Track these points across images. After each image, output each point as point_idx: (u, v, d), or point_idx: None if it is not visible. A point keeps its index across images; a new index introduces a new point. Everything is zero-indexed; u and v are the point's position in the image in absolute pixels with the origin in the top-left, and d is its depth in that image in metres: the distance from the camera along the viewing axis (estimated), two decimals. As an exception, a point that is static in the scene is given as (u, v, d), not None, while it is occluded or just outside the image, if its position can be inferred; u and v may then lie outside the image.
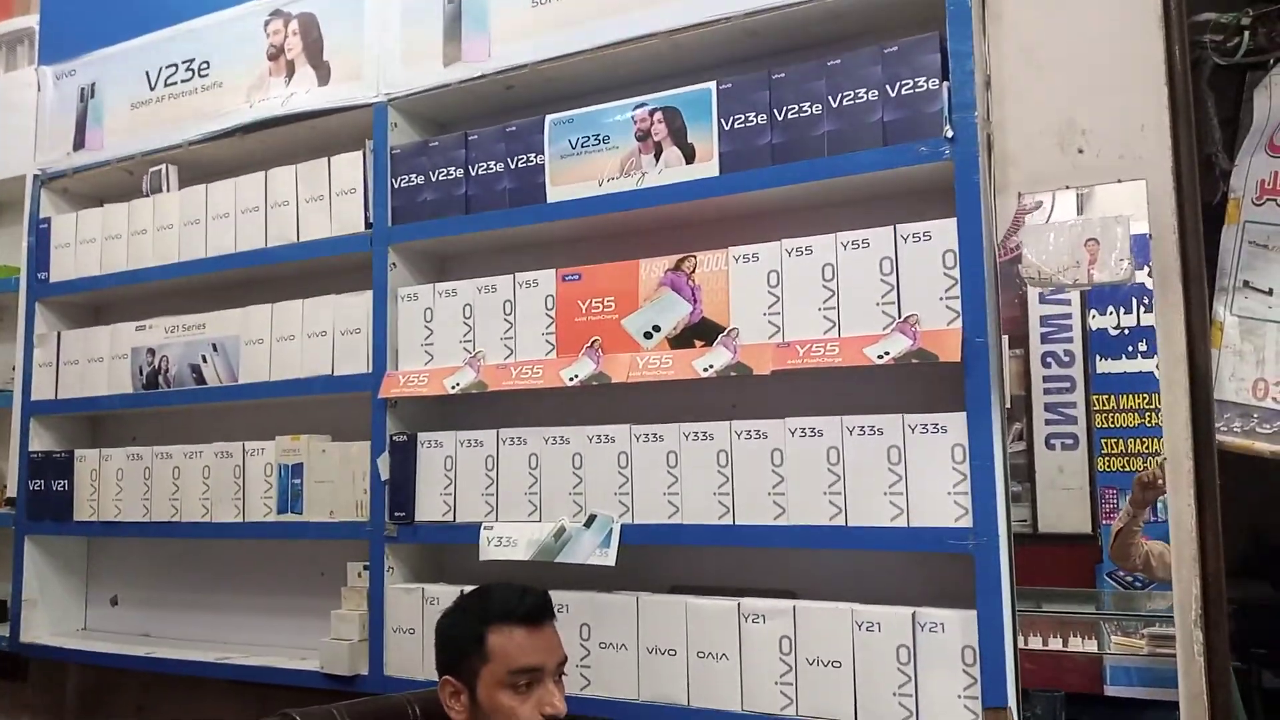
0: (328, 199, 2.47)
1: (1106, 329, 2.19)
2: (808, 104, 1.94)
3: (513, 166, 2.24)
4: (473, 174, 2.29)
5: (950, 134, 1.79)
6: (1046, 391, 1.88)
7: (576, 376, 2.09)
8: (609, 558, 2.00)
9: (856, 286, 1.86)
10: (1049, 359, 1.89)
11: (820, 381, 1.99)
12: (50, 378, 2.91)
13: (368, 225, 2.40)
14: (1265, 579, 2.84)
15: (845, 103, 1.91)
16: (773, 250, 1.94)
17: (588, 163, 2.15)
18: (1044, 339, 1.90)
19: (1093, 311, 2.18)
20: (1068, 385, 2.18)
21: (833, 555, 1.96)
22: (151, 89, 2.82)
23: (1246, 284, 1.90)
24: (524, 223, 2.21)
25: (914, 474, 1.78)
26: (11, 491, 2.98)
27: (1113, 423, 2.18)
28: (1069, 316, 2.19)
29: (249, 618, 2.76)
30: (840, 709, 1.78)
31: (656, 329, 2.04)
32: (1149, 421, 2.19)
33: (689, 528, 1.95)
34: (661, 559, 2.11)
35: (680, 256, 2.03)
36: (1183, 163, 1.75)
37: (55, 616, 2.97)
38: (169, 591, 2.91)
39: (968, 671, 1.70)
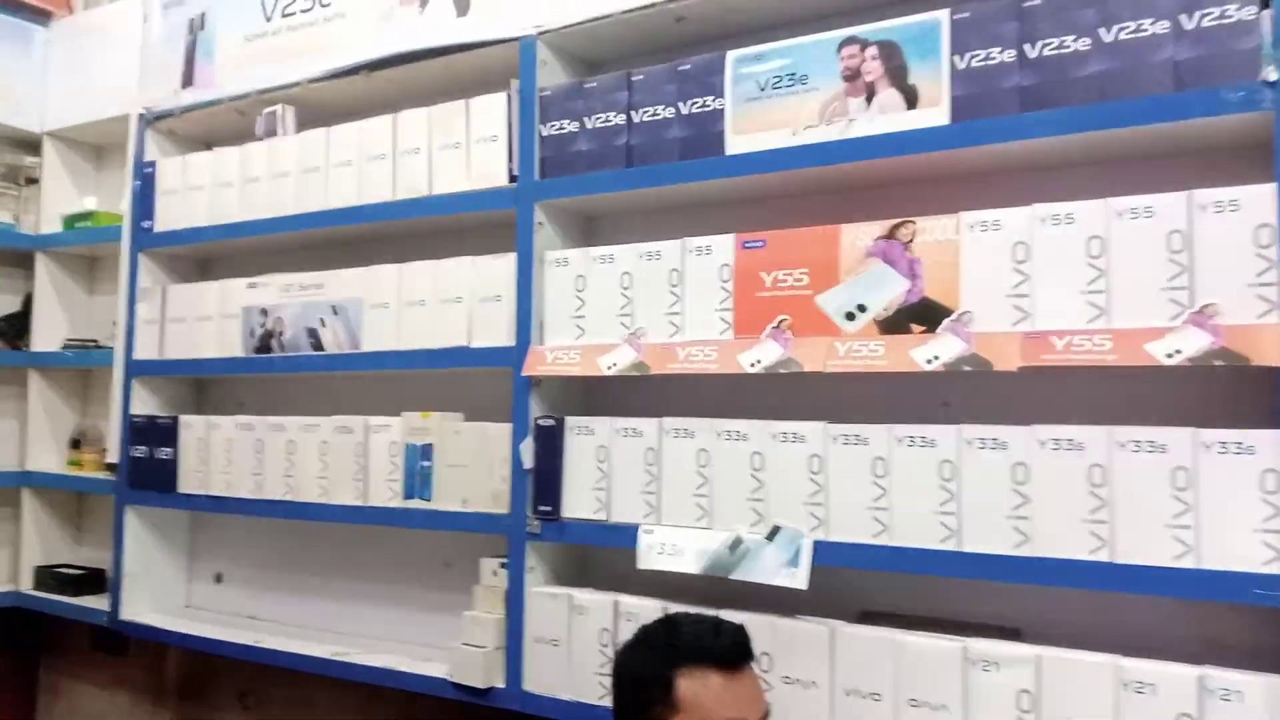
0: (465, 147, 2.17)
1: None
2: (1071, 38, 1.57)
3: (685, 112, 1.91)
4: (636, 121, 1.97)
5: (1274, 77, 1.41)
6: None
7: (759, 362, 1.77)
8: (798, 579, 1.69)
9: (1135, 265, 1.49)
10: None
11: (1065, 380, 1.64)
12: (154, 336, 2.69)
13: (511, 179, 2.10)
14: None
15: (1123, 36, 1.53)
16: (1020, 217, 1.58)
17: (780, 107, 1.81)
18: None
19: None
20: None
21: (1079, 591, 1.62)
22: (268, 20, 2.55)
23: None
24: (699, 178, 1.88)
25: (1207, 504, 1.42)
26: (112, 456, 2.78)
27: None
28: None
29: (363, 607, 2.52)
30: (1097, 785, 1.45)
31: (861, 309, 1.71)
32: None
33: (902, 551, 1.63)
34: (849, 576, 1.79)
35: (895, 222, 1.69)
36: None
37: (157, 592, 2.79)
38: (276, 571, 2.70)
39: (1275, 755, 1.36)
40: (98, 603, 2.85)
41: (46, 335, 3.12)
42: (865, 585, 1.80)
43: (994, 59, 1.62)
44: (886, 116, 1.72)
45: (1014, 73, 1.61)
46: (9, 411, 3.15)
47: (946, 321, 1.62)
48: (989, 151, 1.64)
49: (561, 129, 2.05)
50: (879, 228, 1.70)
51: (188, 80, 2.70)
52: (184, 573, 2.86)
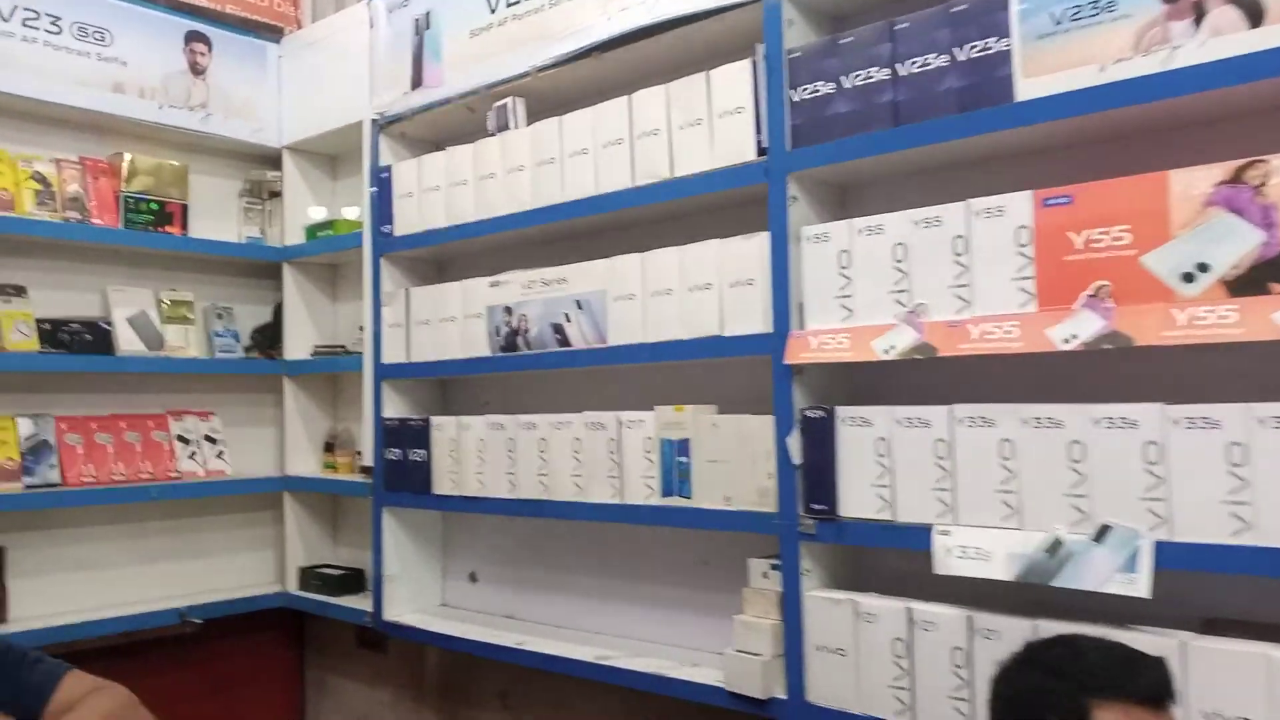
0: (707, 122, 2.03)
1: None
2: None
3: (961, 59, 1.70)
4: (901, 74, 1.77)
5: None
6: None
7: (1074, 337, 1.54)
8: (1138, 586, 1.46)
9: None
10: None
11: None
12: (400, 339, 2.71)
13: (760, 152, 1.95)
14: None
15: None
16: None
17: (1081, 41, 1.57)
18: None
19: None
20: None
21: None
22: (492, 11, 2.50)
23: None
24: (985, 130, 1.66)
25: None
26: (366, 459, 2.83)
27: None
28: None
29: (618, 607, 2.45)
30: None
31: (1203, 268, 1.45)
32: None
33: (1273, 552, 1.37)
34: (1184, 580, 1.53)
35: (1241, 163, 1.42)
36: None
37: (414, 591, 2.82)
38: (530, 570, 2.67)
39: None
40: (358, 602, 2.92)
41: (297, 343, 3.23)
42: (1203, 589, 1.55)
43: (1370, -47, 1.33)
44: (1222, 40, 1.44)
45: (1400, -34, 1.31)
46: (268, 419, 3.30)
47: (1319, 278, 1.35)
48: (1367, 68, 1.35)
49: (815, 92, 1.88)
50: (1219, 171, 1.44)
51: (417, 81, 2.69)
52: (439, 572, 2.88)
